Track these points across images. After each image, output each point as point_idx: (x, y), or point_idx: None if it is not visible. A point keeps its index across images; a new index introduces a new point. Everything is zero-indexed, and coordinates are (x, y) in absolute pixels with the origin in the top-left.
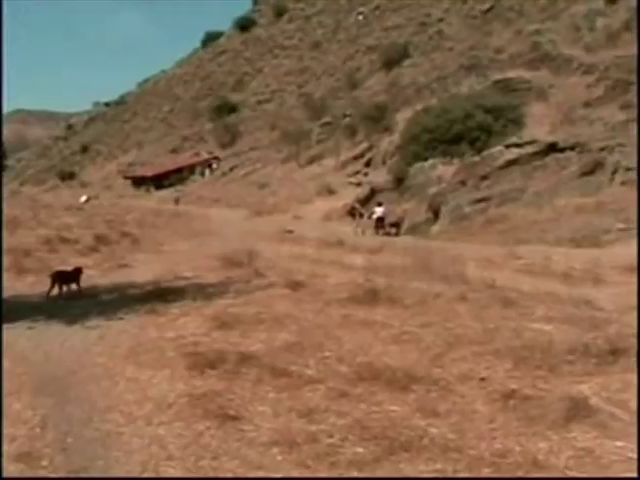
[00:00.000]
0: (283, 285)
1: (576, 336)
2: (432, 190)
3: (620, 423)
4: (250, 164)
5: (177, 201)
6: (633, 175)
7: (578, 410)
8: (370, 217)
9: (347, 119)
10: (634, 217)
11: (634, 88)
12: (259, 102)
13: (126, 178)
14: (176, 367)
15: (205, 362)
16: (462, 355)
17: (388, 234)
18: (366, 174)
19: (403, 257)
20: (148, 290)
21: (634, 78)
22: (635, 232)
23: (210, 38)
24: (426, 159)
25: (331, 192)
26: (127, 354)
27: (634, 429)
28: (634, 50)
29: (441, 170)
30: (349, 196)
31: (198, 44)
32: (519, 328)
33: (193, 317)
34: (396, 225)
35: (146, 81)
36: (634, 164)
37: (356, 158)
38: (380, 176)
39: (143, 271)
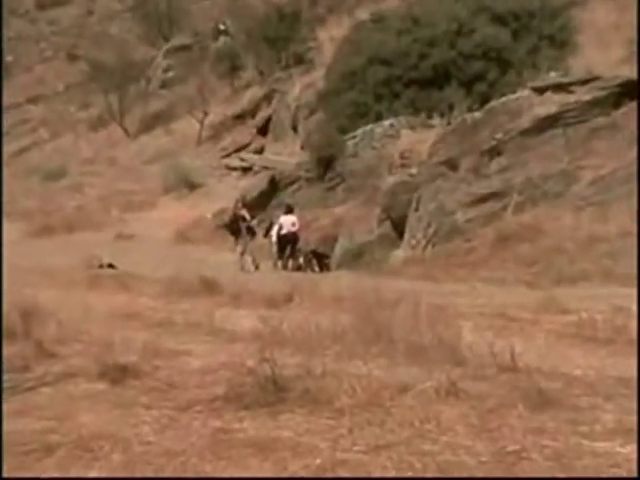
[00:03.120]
0: (95, 374)
1: None
2: (391, 180)
3: None
4: (26, 132)
5: None
6: None
7: None
8: (268, 235)
9: (222, 40)
10: None
11: None
12: (41, 5)
13: None
14: None
15: None
16: None
17: (303, 268)
18: (261, 150)
19: (335, 313)
20: None
21: None
22: None
23: None
24: (378, 118)
25: (192, 186)
26: None
27: None
28: None
29: (408, 139)
30: (227, 194)
31: None
32: (570, 451)
33: None
34: (318, 255)
35: None
36: None
37: (240, 117)
38: (289, 154)
39: None
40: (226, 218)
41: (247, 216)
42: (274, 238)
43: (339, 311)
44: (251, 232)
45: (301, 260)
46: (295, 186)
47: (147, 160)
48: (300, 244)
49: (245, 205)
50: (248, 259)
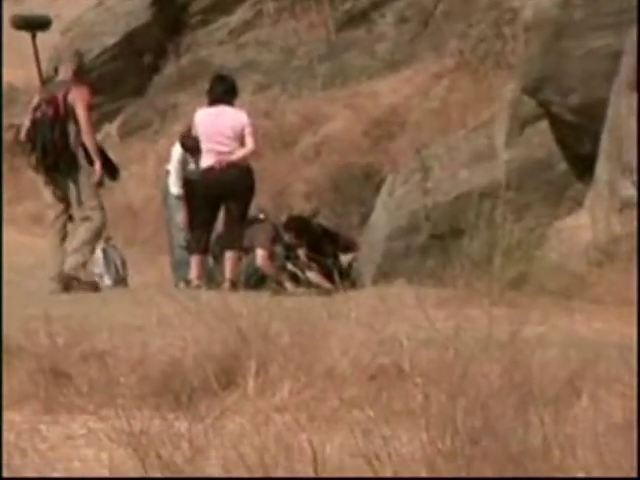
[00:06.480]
0: None
1: None
2: None
3: None
4: None
5: None
6: None
7: None
8: (165, 173)
9: None
10: None
11: None
12: None
13: None
14: None
15: None
16: None
17: (273, 279)
18: None
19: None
20: None
21: None
22: None
23: None
24: None
25: None
26: None
27: None
28: None
29: None
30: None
31: None
32: None
33: None
34: (318, 239)
35: None
36: None
37: None
38: None
39: None
40: (26, 122)
41: (82, 117)
42: (173, 187)
43: (407, 419)
44: (109, 167)
45: (260, 254)
46: None
47: None
48: (255, 204)
49: (83, 80)
50: (99, 252)
